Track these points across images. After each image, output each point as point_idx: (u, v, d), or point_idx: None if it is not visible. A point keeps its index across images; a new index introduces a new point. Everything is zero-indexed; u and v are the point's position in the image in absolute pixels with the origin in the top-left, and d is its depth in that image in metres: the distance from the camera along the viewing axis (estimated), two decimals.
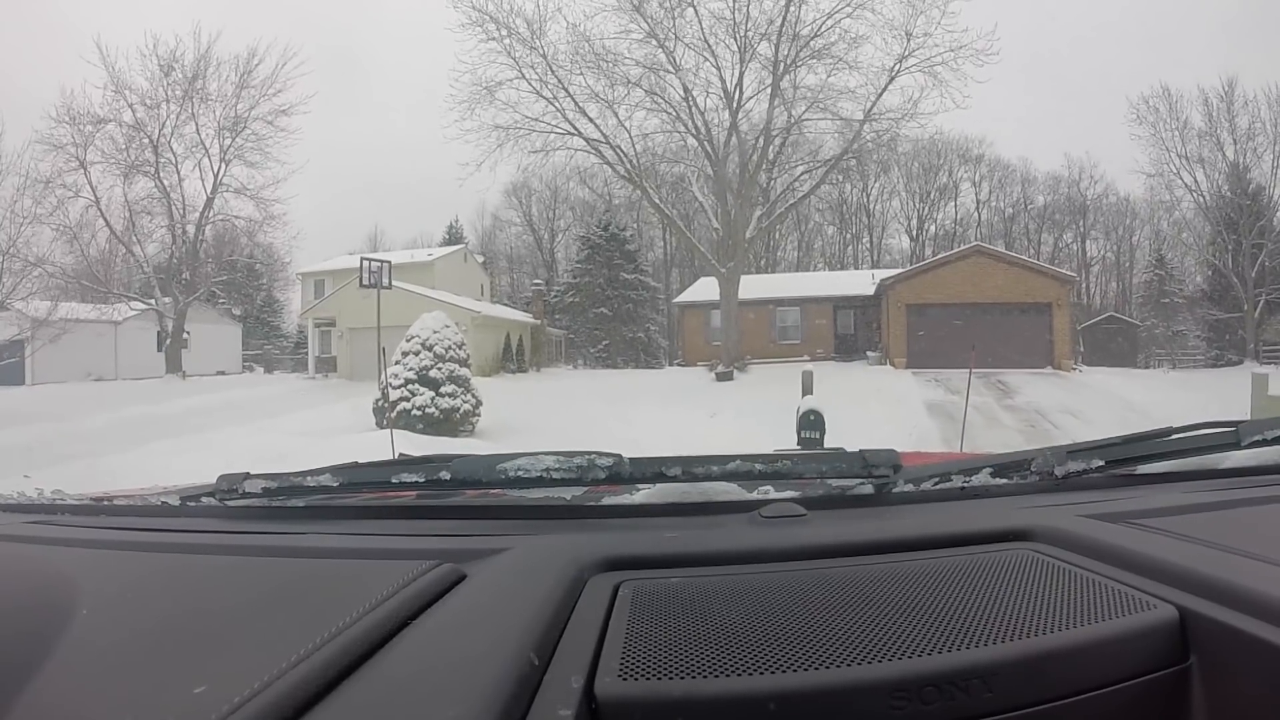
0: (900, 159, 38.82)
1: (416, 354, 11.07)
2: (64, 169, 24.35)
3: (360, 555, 0.82)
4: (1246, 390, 10.58)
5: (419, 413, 10.58)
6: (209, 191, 27.63)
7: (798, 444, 5.73)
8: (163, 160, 26.83)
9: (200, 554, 0.86)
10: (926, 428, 11.37)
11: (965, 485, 0.97)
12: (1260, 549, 0.69)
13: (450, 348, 11.24)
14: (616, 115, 21.56)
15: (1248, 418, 1.10)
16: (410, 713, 0.48)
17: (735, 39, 21.24)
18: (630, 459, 0.91)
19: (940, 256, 25.89)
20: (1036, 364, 19.89)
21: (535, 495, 0.93)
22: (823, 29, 20.39)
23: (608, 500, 0.94)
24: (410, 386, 10.80)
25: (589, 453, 0.90)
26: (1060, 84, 65.54)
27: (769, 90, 21.42)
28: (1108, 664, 0.58)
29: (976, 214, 48.95)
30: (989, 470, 0.98)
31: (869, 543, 0.78)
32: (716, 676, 0.53)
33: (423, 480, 0.94)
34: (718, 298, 22.52)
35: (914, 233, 49.12)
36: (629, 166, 21.97)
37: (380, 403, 10.28)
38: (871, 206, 49.45)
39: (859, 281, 27.05)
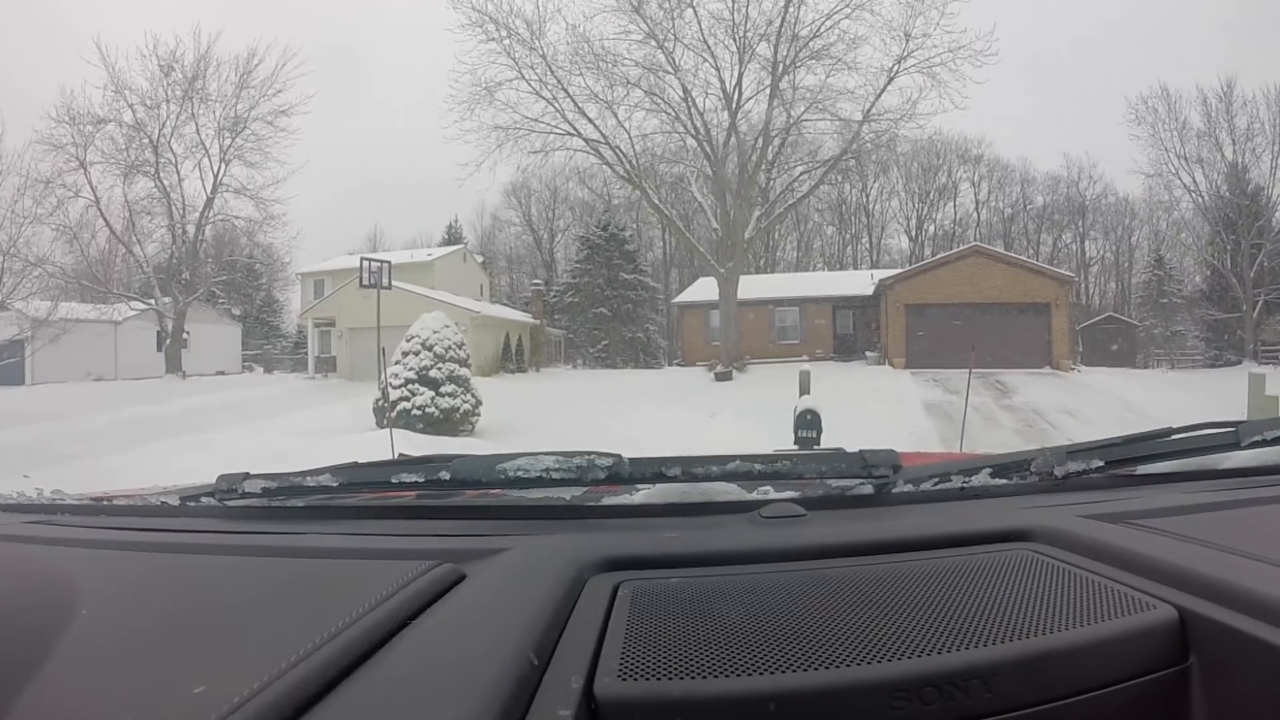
0: (899, 159, 38.94)
1: (417, 354, 11.09)
2: (64, 169, 24.40)
3: (360, 555, 0.82)
4: (1244, 390, 10.60)
5: (419, 412, 10.59)
6: (209, 191, 27.67)
7: (795, 443, 5.79)
8: (163, 160, 26.86)
9: (200, 554, 0.86)
10: (925, 427, 11.38)
11: (965, 485, 0.97)
12: (1260, 549, 0.69)
13: (450, 348, 11.26)
14: (616, 116, 21.62)
15: (1245, 418, 1.10)
16: (410, 713, 0.48)
17: (734, 40, 21.27)
18: (630, 459, 0.91)
19: (939, 257, 25.91)
20: (1035, 364, 19.91)
21: (535, 495, 0.93)
22: (822, 30, 20.44)
23: (607, 500, 0.94)
24: (410, 386, 10.81)
25: (589, 453, 0.90)
26: (1060, 84, 65.68)
27: (768, 91, 21.45)
28: (1107, 664, 0.58)
29: (976, 214, 49.02)
30: (989, 470, 0.98)
31: (869, 543, 0.78)
32: (716, 677, 0.53)
33: (422, 480, 0.94)
34: (717, 298, 22.53)
35: (913, 233, 49.19)
36: (628, 167, 21.97)
37: (380, 402, 10.28)
38: (871, 207, 49.53)
39: (858, 282, 27.05)
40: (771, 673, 0.53)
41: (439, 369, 10.99)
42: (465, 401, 11.17)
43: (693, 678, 0.53)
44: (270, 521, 0.97)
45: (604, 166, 23.08)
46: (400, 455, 1.20)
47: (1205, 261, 30.48)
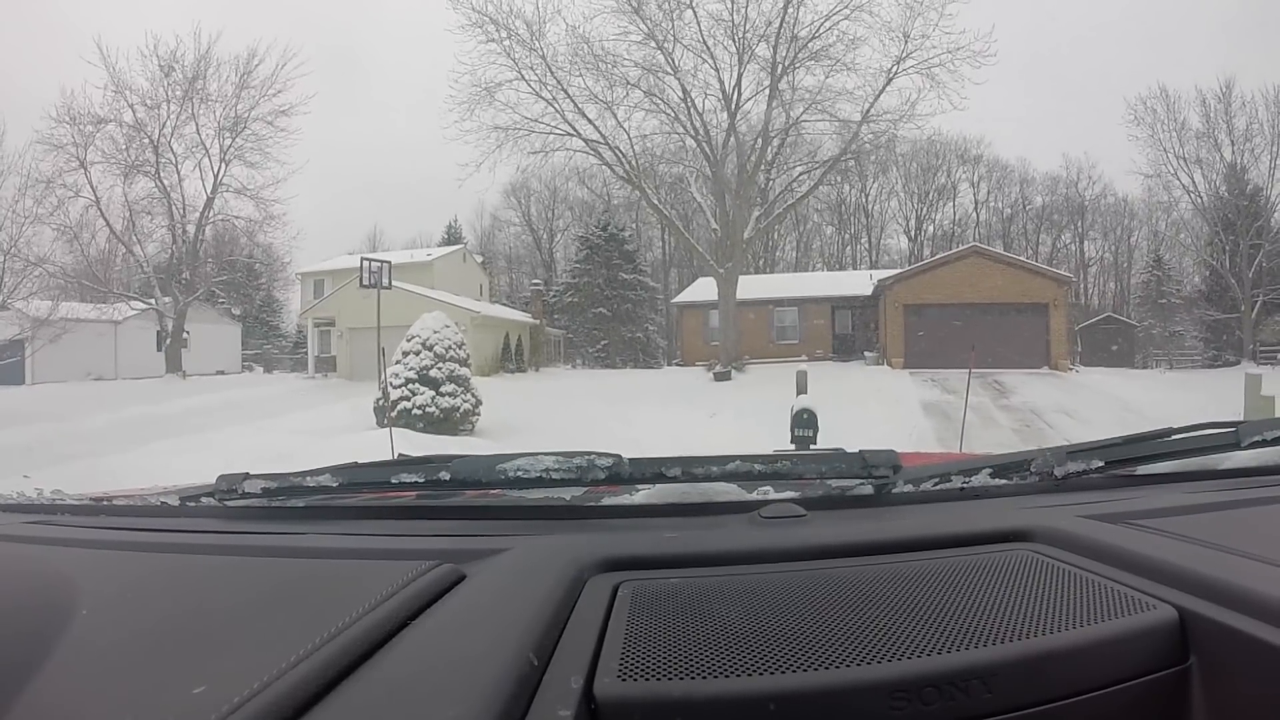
0: (898, 160, 38.96)
1: (417, 353, 11.11)
2: (64, 169, 24.38)
3: (360, 555, 0.82)
4: (1241, 390, 10.64)
5: (419, 412, 10.62)
6: (209, 191, 27.63)
7: (791, 442, 5.89)
8: (163, 160, 26.83)
9: (200, 554, 0.86)
10: (923, 428, 11.41)
11: (965, 486, 0.97)
12: (1260, 549, 0.69)
13: (450, 347, 11.28)
14: (615, 116, 21.63)
15: (1242, 418, 1.10)
16: (410, 713, 0.48)
17: (734, 41, 21.29)
18: (630, 459, 0.91)
19: (938, 257, 25.91)
20: (1033, 364, 19.92)
21: (535, 495, 0.93)
22: (821, 31, 20.46)
23: (607, 501, 0.94)
24: (411, 386, 10.84)
25: (589, 453, 0.90)
26: (1060, 84, 65.70)
27: (767, 91, 21.46)
28: (1107, 665, 0.58)
29: (975, 214, 49.03)
30: (989, 471, 0.98)
31: (869, 543, 0.78)
32: (716, 677, 0.53)
33: (422, 480, 0.94)
34: (716, 298, 22.53)
35: (912, 233, 49.19)
36: (628, 167, 21.98)
37: (381, 401, 10.30)
38: (870, 207, 49.55)
39: (857, 282, 27.05)
40: (771, 673, 0.53)
41: (439, 369, 11.01)
42: (465, 401, 11.19)
43: (693, 678, 0.53)
44: (270, 522, 0.97)
45: (603, 167, 23.12)
46: (400, 455, 1.20)
47: (1204, 262, 30.49)
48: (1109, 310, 38.63)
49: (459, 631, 0.59)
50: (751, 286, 24.77)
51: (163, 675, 0.54)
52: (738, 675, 0.53)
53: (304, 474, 0.96)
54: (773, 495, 0.93)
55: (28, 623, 0.65)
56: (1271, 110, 27.75)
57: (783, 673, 0.53)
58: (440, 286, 26.90)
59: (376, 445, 6.05)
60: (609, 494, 0.95)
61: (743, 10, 20.75)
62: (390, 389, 10.52)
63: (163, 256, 28.76)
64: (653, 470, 0.91)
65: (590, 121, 21.33)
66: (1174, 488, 1.00)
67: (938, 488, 0.96)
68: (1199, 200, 28.98)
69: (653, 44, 20.88)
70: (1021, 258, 28.65)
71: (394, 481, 0.95)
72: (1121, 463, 1.01)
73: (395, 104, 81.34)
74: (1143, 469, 1.03)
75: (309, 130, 40.73)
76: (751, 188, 22.53)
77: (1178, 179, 29.08)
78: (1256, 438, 1.01)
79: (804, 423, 6.14)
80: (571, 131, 21.41)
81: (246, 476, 0.97)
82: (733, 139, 22.29)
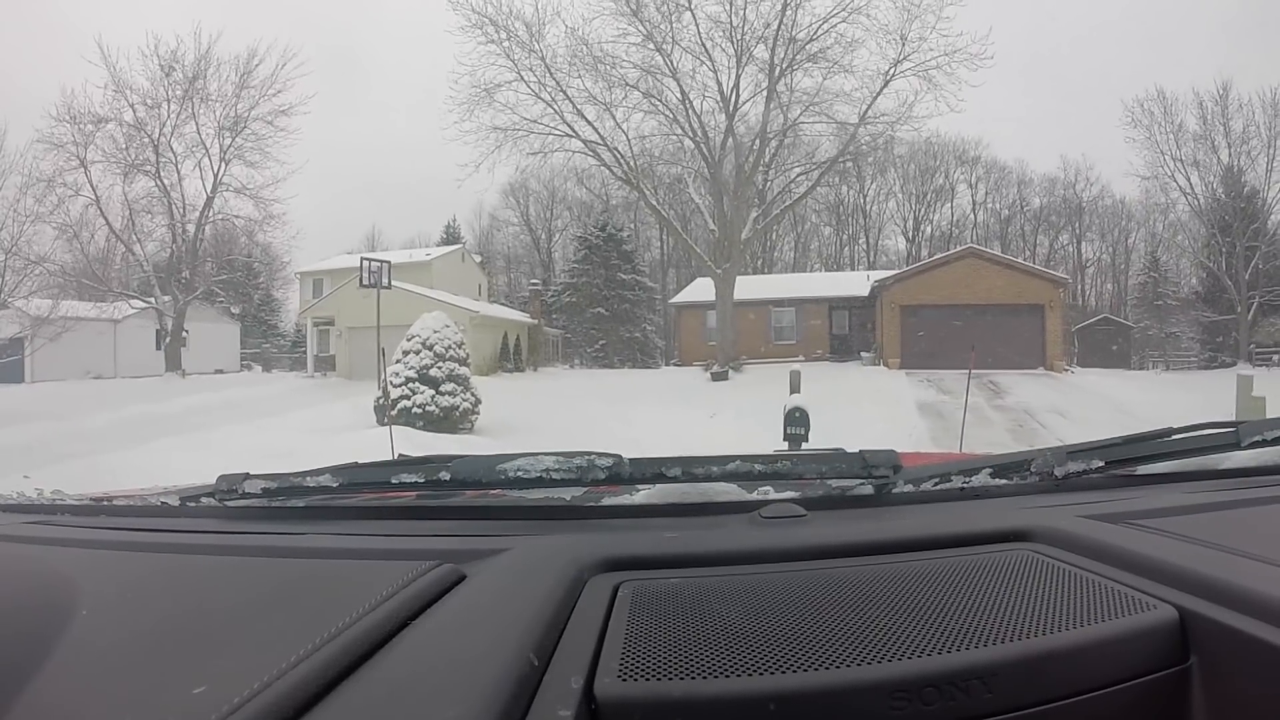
0: (896, 161, 39.01)
1: (417, 353, 11.13)
2: (65, 168, 24.29)
3: (360, 555, 0.82)
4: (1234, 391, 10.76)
5: (419, 411, 10.64)
6: (209, 191, 27.55)
7: (784, 439, 6.02)
8: (163, 160, 26.75)
9: (200, 554, 0.86)
10: (919, 428, 11.45)
11: (965, 486, 0.97)
12: (1260, 549, 0.69)
13: (450, 347, 11.30)
14: (614, 117, 21.66)
15: (1234, 418, 1.10)
16: (410, 713, 0.48)
17: (732, 43, 21.33)
18: (630, 459, 0.91)
19: (935, 258, 25.94)
20: (1029, 365, 19.93)
21: (535, 495, 0.93)
22: (818, 33, 20.52)
23: (608, 501, 0.94)
24: (411, 385, 10.86)
25: (589, 453, 0.90)
26: (1059, 85, 65.82)
27: (765, 93, 21.50)
28: (1108, 665, 0.58)
29: (973, 215, 49.11)
30: (989, 471, 0.99)
31: (869, 543, 0.78)
32: (716, 677, 0.53)
33: (422, 480, 0.94)
34: (714, 298, 22.55)
35: (910, 234, 49.24)
36: (626, 168, 22.00)
37: (381, 400, 10.31)
38: (868, 208, 49.60)
39: (854, 282, 27.06)
40: (772, 673, 0.53)
41: (439, 368, 11.03)
42: (465, 400, 11.22)
43: (693, 678, 0.53)
44: (270, 522, 0.97)
45: (602, 167, 23.15)
46: (400, 455, 1.20)
47: (1201, 263, 30.56)
48: (1106, 311, 38.67)
49: (459, 632, 0.59)
50: (749, 287, 24.78)
51: (163, 675, 0.54)
52: (738, 675, 0.53)
53: (304, 474, 0.96)
54: (773, 495, 0.93)
55: (28, 623, 0.64)
56: (1268, 113, 27.87)
57: (783, 673, 0.53)
58: (439, 286, 26.89)
59: (377, 443, 6.05)
60: (609, 494, 0.95)
61: (741, 13, 20.83)
62: (390, 387, 10.53)
63: (162, 255, 28.70)
64: (653, 470, 0.91)
65: (589, 122, 21.40)
66: (1174, 488, 1.01)
67: (938, 488, 0.96)
68: (1196, 202, 29.09)
69: (651, 46, 20.93)
70: (1018, 259, 28.72)
71: (394, 481, 0.95)
72: (1122, 463, 1.01)
73: (395, 104, 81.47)
74: (1143, 469, 1.03)
75: (309, 130, 40.61)
76: (749, 189, 22.57)
77: (1175, 181, 29.20)
78: (1257, 438, 1.01)
79: (796, 420, 6.30)
80: (570, 132, 21.45)
81: (246, 476, 0.97)
82: (731, 140, 22.32)
